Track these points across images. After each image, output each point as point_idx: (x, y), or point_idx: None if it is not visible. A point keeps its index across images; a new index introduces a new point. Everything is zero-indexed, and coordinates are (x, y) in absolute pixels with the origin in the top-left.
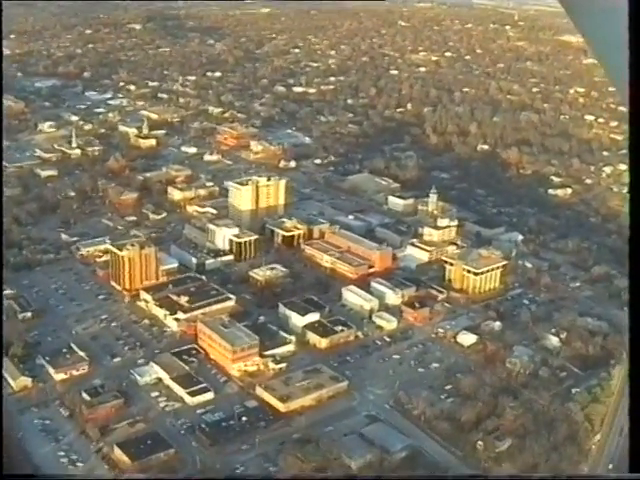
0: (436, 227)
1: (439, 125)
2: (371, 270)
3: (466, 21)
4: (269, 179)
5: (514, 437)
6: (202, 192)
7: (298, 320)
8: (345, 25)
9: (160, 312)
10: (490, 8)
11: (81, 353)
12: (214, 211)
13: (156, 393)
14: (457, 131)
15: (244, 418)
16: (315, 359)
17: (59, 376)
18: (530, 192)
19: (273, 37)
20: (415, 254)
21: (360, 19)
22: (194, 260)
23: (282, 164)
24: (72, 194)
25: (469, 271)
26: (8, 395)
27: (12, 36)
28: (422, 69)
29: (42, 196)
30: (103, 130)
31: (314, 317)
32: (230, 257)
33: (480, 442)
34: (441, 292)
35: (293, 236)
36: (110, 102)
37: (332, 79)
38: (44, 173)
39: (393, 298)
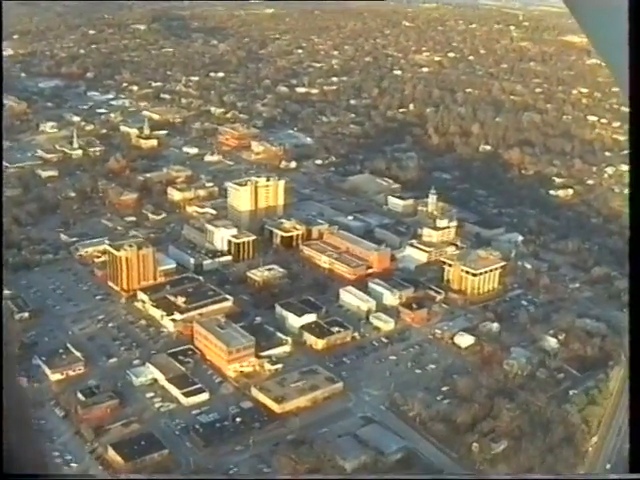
0: (435, 228)
1: (441, 125)
2: (369, 271)
3: (470, 21)
4: (268, 180)
5: (510, 439)
6: (202, 193)
7: (295, 321)
8: (349, 25)
9: (157, 313)
10: (495, 8)
11: (77, 353)
12: (214, 212)
13: (151, 394)
14: (459, 131)
15: (238, 419)
16: (311, 360)
17: (55, 376)
18: (531, 193)
19: (277, 37)
20: (414, 255)
21: (364, 19)
22: (192, 261)
23: (283, 165)
24: (72, 194)
25: (467, 272)
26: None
27: (15, 36)
28: (425, 69)
29: (42, 196)
30: (105, 131)
31: (311, 318)
32: (228, 258)
33: (475, 444)
34: (439, 293)
35: (292, 237)
36: (112, 103)
37: (335, 79)
38: (45, 173)
39: (391, 299)
